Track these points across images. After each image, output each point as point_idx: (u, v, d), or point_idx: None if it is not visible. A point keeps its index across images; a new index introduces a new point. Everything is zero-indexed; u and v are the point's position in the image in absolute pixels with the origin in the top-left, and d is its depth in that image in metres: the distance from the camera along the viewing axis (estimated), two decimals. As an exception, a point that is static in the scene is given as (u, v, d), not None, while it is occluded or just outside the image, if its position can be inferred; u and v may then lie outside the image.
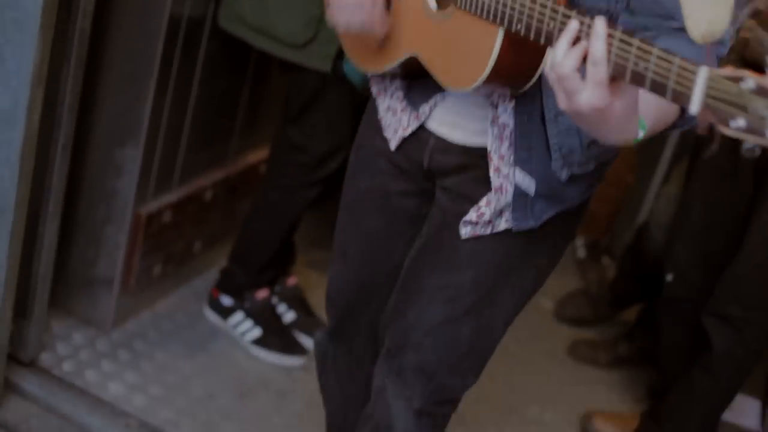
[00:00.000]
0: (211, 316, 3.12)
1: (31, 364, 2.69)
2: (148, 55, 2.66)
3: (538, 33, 1.47)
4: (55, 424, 2.57)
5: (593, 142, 1.73)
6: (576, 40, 1.40)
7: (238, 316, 3.07)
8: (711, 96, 1.22)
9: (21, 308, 2.58)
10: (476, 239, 1.88)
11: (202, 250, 3.18)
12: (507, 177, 1.80)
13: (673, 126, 1.60)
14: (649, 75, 1.29)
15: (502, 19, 1.53)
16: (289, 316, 3.15)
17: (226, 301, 3.08)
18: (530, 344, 3.47)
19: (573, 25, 1.40)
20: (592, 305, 3.71)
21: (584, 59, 1.39)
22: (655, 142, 4.04)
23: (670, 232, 3.06)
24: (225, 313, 3.09)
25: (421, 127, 1.90)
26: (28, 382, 2.64)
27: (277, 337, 3.05)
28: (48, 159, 2.49)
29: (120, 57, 2.69)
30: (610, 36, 1.35)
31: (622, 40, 1.33)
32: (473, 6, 1.60)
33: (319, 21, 2.68)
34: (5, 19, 2.17)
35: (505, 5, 1.52)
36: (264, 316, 3.06)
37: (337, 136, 2.89)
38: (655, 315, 3.16)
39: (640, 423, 3.00)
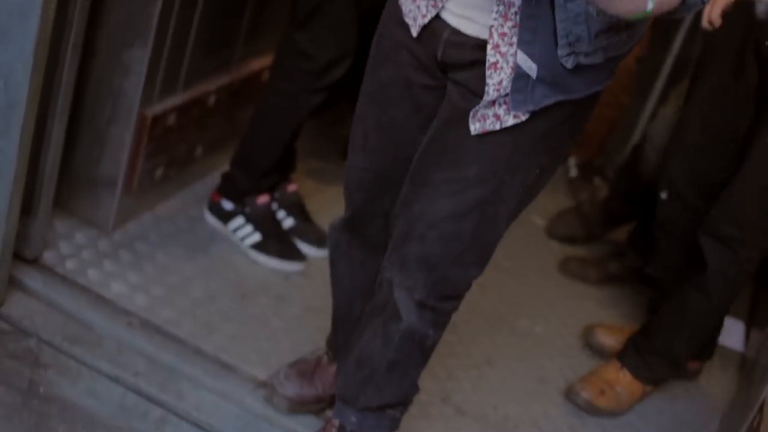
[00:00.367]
0: (212, 220, 3.14)
1: (35, 262, 2.71)
2: (159, -45, 2.64)
3: None
4: (59, 320, 2.60)
5: (601, 31, 1.75)
6: None
7: (239, 220, 3.08)
8: None
9: (26, 206, 2.60)
10: (483, 135, 1.90)
11: (203, 155, 3.19)
12: (504, 56, 1.81)
13: (683, 3, 1.63)
14: None
15: None
16: (288, 222, 3.17)
17: (227, 205, 3.10)
18: (522, 259, 3.52)
19: None
20: (583, 224, 3.75)
21: None
22: (651, 63, 4.07)
23: (665, 151, 3.09)
24: (225, 217, 3.10)
25: (438, 18, 1.91)
26: (32, 278, 2.66)
27: (276, 243, 3.08)
28: (58, 57, 2.48)
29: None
30: None
31: None
32: None
33: None
34: None
35: None
36: (264, 222, 3.08)
37: (343, 42, 2.88)
38: (648, 235, 3.20)
39: (629, 338, 3.05)
